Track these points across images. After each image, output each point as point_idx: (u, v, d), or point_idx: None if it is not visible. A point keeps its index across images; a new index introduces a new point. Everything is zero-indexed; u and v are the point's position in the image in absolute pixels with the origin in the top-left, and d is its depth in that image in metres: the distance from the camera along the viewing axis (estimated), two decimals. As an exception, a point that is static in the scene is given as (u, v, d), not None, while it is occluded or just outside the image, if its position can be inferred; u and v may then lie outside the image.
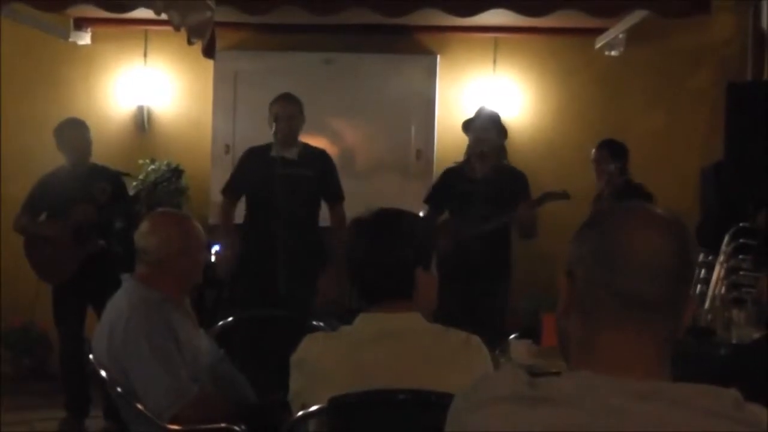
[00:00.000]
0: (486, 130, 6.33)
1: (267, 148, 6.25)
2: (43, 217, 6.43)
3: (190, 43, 6.03)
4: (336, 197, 6.38)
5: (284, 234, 5.92)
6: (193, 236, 3.80)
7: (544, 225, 6.43)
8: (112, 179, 6.58)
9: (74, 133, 6.54)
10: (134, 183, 7.15)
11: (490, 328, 3.67)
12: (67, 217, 6.25)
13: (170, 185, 7.32)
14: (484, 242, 6.14)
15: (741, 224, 5.28)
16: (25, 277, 6.45)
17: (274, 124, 6.15)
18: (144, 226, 3.78)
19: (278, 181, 5.97)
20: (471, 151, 6.40)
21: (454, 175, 6.49)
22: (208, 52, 6.11)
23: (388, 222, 2.89)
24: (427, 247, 2.89)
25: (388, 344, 2.74)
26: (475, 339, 2.83)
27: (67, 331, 6.38)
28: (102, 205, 6.31)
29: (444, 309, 2.97)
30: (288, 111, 6.18)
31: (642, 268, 1.58)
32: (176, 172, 7.10)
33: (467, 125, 6.48)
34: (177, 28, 5.75)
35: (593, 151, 6.79)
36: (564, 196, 6.16)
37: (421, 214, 5.94)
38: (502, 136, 6.45)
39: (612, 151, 6.71)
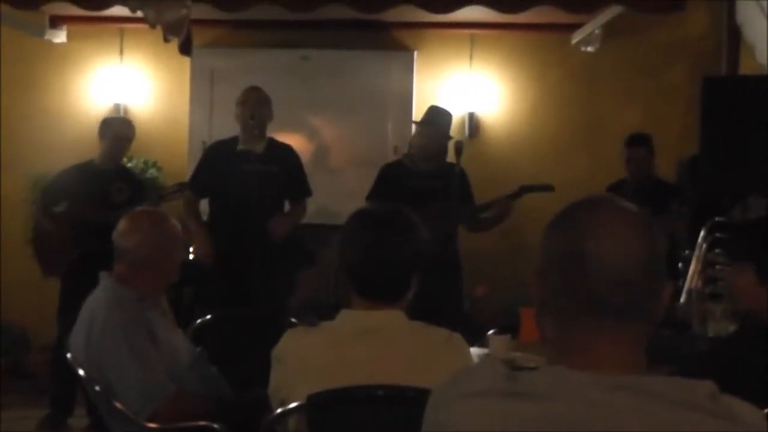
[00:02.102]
0: (432, 127, 6.18)
1: (232, 141, 6.18)
2: (62, 207, 6.34)
3: (166, 40, 6.01)
4: (301, 193, 6.28)
5: (253, 231, 5.86)
6: (172, 235, 3.80)
7: (522, 218, 6.42)
8: (134, 184, 6.55)
9: (115, 131, 6.50)
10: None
11: (456, 324, 3.65)
12: (77, 213, 6.21)
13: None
14: (432, 239, 5.98)
15: (717, 218, 5.30)
16: (6, 276, 6.40)
17: (241, 111, 6.07)
18: (123, 225, 3.77)
19: (244, 177, 5.89)
20: (415, 147, 6.26)
21: (395, 170, 6.31)
22: (185, 49, 6.09)
23: (400, 221, 2.86)
24: (425, 254, 2.88)
25: (368, 340, 2.73)
26: (457, 336, 2.82)
27: (67, 322, 6.30)
28: (117, 206, 6.23)
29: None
30: (256, 95, 6.13)
31: (610, 276, 1.56)
32: (182, 186, 6.73)
33: (417, 125, 6.36)
34: (152, 26, 5.73)
35: (628, 149, 6.58)
36: (547, 188, 6.05)
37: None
38: (447, 138, 6.23)
39: (650, 147, 6.60)
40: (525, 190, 6.14)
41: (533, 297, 1.67)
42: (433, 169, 6.16)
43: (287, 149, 6.35)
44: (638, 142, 6.61)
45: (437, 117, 6.26)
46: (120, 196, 6.31)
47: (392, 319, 2.78)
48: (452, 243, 6.25)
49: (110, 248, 6.15)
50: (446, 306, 5.93)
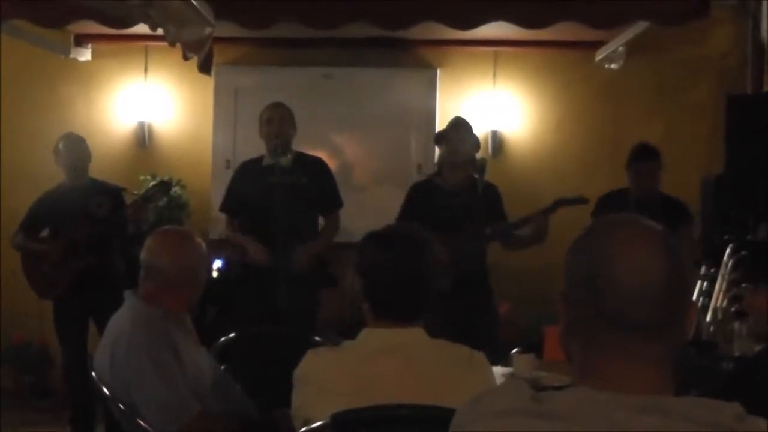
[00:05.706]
0: (463, 141, 6.09)
1: (259, 159, 6.16)
2: (45, 233, 6.41)
3: (185, 58, 6.02)
4: (332, 205, 6.24)
5: (283, 245, 5.83)
6: (200, 254, 3.79)
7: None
8: (112, 194, 6.52)
9: (72, 148, 6.49)
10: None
11: (486, 343, 3.63)
12: (64, 234, 6.23)
13: (160, 201, 7.23)
14: (462, 256, 5.78)
15: (743, 237, 5.27)
16: (26, 292, 6.41)
17: (266, 129, 6.06)
18: (152, 243, 3.74)
19: (273, 190, 5.83)
20: (445, 162, 6.16)
21: (424, 188, 6.24)
22: (204, 67, 6.09)
23: (412, 240, 2.87)
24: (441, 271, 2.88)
25: (391, 359, 2.73)
26: (480, 355, 2.82)
27: (69, 347, 6.34)
28: (100, 220, 6.27)
29: (434, 324, 2.93)
30: (280, 113, 6.11)
31: (633, 294, 1.56)
32: (164, 186, 6.81)
33: (441, 137, 6.25)
34: (171, 44, 5.73)
35: (639, 162, 6.17)
36: (581, 201, 5.90)
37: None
38: (476, 147, 6.17)
39: (660, 160, 6.17)
40: (560, 203, 5.97)
41: (559, 318, 1.67)
42: (462, 184, 6.02)
43: (316, 161, 6.32)
44: (652, 155, 6.19)
45: (452, 132, 6.16)
46: (100, 211, 6.31)
47: (414, 336, 2.78)
48: (482, 261, 6.19)
49: (112, 265, 6.26)
50: (478, 324, 5.87)
